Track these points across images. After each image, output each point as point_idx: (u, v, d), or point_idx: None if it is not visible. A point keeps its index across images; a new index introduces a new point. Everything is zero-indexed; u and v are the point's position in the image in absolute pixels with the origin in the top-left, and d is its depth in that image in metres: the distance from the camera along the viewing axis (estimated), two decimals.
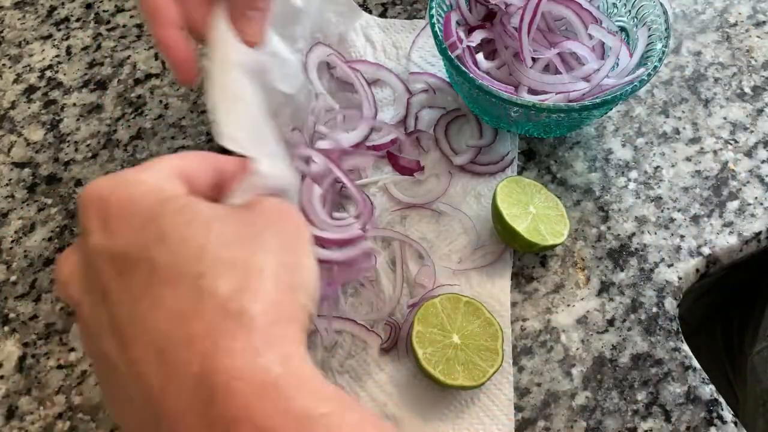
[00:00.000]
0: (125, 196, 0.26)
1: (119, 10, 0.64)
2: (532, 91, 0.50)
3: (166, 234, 0.24)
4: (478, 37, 0.52)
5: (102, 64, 0.60)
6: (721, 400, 0.43)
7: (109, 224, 0.25)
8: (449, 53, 0.48)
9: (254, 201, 0.28)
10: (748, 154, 0.53)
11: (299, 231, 0.28)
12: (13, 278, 0.49)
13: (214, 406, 0.22)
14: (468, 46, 0.51)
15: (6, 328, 0.47)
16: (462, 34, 0.51)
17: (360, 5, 0.61)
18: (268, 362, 0.23)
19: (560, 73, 0.51)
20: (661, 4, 0.49)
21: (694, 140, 0.53)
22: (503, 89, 0.49)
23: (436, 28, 0.49)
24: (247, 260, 0.25)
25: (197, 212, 0.26)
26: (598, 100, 0.46)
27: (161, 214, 0.25)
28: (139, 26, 0.62)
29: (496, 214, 0.46)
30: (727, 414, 0.42)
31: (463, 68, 0.47)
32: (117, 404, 0.26)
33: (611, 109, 0.52)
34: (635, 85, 0.46)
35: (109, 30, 0.62)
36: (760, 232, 0.49)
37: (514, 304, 0.46)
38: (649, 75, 0.46)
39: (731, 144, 0.53)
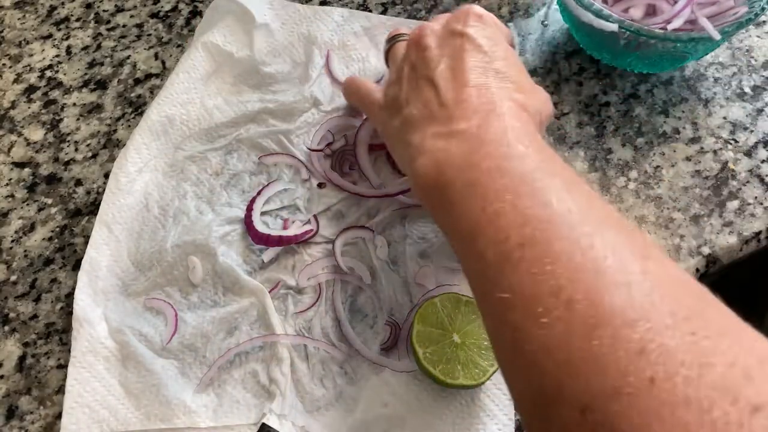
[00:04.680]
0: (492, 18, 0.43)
1: (119, 9, 0.64)
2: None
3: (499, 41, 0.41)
4: None
5: (102, 63, 0.60)
6: None
7: (484, 20, 0.42)
8: None
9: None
10: (748, 153, 0.53)
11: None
12: (13, 278, 0.49)
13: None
14: None
15: (6, 328, 0.47)
16: None
17: (360, 5, 0.61)
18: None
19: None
20: None
21: (694, 140, 0.53)
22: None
23: None
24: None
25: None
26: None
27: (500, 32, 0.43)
28: (139, 26, 0.62)
29: None
30: None
31: None
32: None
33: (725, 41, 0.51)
34: (756, 13, 0.46)
35: (109, 30, 0.62)
36: (760, 232, 0.49)
37: None
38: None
39: (731, 144, 0.53)
